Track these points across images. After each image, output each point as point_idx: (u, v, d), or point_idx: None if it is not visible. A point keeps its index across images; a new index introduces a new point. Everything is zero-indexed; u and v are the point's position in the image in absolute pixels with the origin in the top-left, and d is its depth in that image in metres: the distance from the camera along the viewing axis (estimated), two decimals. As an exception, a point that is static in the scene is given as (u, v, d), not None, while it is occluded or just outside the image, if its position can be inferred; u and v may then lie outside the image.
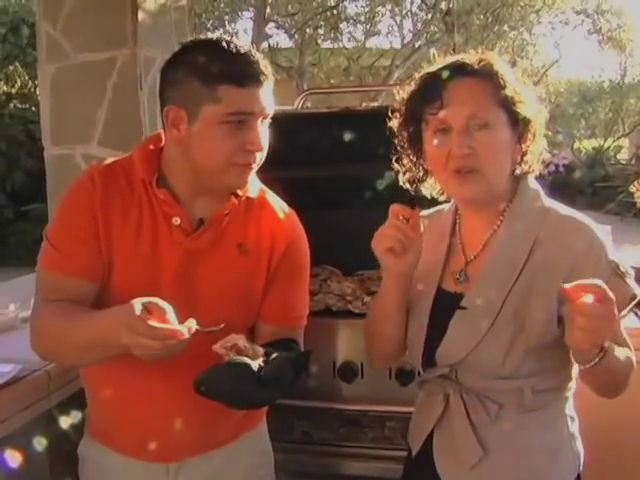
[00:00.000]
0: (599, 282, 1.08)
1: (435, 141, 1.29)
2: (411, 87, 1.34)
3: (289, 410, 1.96)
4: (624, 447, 1.98)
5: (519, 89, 1.28)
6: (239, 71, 1.28)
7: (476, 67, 1.28)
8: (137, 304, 1.14)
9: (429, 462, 1.35)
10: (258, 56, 1.32)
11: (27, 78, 9.15)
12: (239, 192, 1.41)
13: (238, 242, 1.41)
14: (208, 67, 1.28)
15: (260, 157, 1.35)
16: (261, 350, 1.25)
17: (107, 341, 1.18)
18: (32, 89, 8.89)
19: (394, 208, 1.26)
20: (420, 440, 1.38)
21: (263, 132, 1.33)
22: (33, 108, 8.49)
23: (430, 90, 1.29)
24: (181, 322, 1.17)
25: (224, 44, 1.30)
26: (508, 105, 1.27)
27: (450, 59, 1.32)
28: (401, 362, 1.57)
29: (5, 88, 9.20)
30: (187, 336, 1.13)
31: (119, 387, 1.40)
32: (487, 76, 1.27)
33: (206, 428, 1.42)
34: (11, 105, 8.96)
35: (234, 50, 1.30)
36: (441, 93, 1.26)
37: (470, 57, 1.30)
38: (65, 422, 1.58)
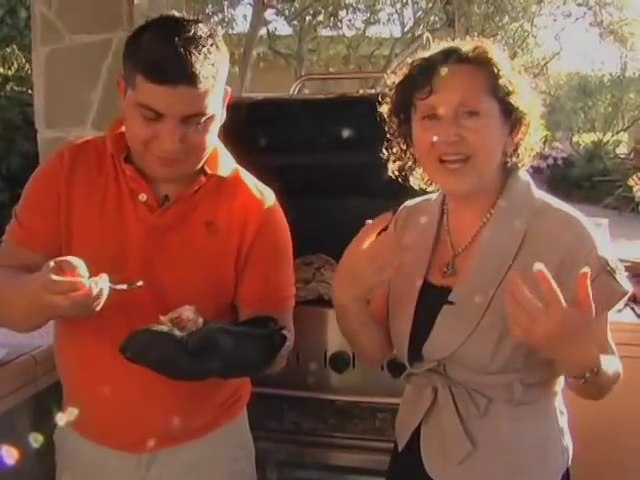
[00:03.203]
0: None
1: (422, 127, 1.26)
2: (403, 72, 1.31)
3: (279, 399, 1.96)
4: (613, 441, 1.98)
5: (514, 80, 1.25)
6: (155, 67, 1.21)
7: (470, 54, 1.25)
8: (48, 263, 1.14)
9: (416, 457, 1.33)
10: (201, 54, 1.22)
11: (24, 61, 9.05)
12: (207, 170, 1.38)
13: (207, 221, 1.38)
14: (135, 51, 1.26)
15: (185, 154, 1.27)
16: (201, 322, 1.22)
17: (38, 303, 1.16)
18: (29, 72, 8.80)
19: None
20: (407, 434, 1.36)
21: (191, 130, 1.26)
22: (30, 91, 8.41)
23: (421, 76, 1.26)
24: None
25: (164, 30, 1.23)
26: (501, 95, 1.23)
27: (444, 45, 1.29)
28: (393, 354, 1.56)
29: (2, 70, 9.12)
30: (88, 286, 1.11)
31: (88, 371, 1.38)
32: (481, 64, 1.24)
33: (178, 418, 1.38)
34: (8, 87, 8.88)
35: (165, 41, 1.21)
36: (431, 79, 1.23)
37: (465, 44, 1.27)
38: (51, 407, 1.56)
